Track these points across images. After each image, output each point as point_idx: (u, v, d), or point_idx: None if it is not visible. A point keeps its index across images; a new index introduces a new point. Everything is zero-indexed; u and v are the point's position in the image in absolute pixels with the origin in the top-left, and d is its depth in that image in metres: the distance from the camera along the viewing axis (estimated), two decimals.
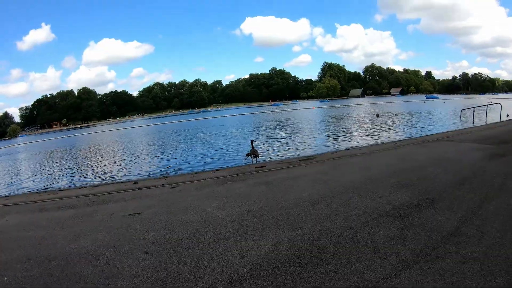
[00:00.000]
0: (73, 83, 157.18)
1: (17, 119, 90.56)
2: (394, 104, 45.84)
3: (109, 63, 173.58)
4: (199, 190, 5.30)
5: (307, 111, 44.37)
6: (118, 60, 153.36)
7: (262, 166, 7.31)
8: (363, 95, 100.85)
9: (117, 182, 7.78)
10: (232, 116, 46.60)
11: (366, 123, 20.81)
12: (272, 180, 5.45)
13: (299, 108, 54.74)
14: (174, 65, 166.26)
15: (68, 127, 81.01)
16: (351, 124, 20.64)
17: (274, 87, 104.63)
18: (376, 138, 13.05)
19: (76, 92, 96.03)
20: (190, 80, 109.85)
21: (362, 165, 6.23)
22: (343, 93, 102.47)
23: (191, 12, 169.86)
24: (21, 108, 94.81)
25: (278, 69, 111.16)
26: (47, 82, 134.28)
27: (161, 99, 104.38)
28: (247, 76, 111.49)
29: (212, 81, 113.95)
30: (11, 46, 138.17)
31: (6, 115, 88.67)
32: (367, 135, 14.59)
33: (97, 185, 7.65)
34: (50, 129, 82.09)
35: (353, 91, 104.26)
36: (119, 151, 16.61)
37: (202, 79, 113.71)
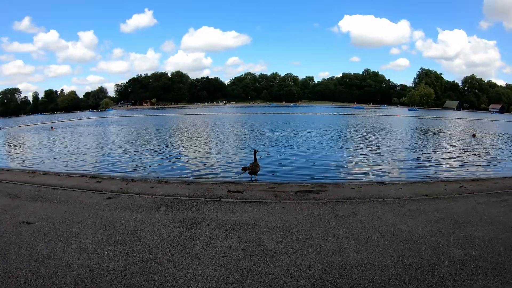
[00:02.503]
0: (170, 66, 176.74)
1: (112, 94, 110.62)
2: (495, 123, 38.65)
3: (206, 50, 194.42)
4: (110, 211, 4.48)
5: (391, 119, 40.84)
6: (215, 48, 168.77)
7: (237, 192, 5.86)
8: (458, 108, 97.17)
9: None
10: (317, 115, 46.82)
11: (459, 143, 16.70)
12: (204, 221, 4.09)
13: (381, 114, 50.48)
14: (269, 57, 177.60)
15: (157, 106, 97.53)
16: (437, 142, 16.78)
17: (365, 89, 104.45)
18: (469, 167, 9.80)
19: (169, 75, 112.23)
20: (283, 73, 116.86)
21: (426, 230, 3.91)
22: (437, 104, 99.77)
23: (291, 6, 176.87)
24: (116, 85, 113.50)
25: (372, 71, 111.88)
26: (146, 63, 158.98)
27: (251, 89, 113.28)
28: (339, 75, 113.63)
29: (304, 77, 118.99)
30: (115, 28, 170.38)
31: (101, 89, 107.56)
32: (459, 161, 10.97)
33: (94, 175, 8.25)
34: (141, 106, 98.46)
35: (449, 103, 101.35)
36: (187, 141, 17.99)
37: (295, 74, 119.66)
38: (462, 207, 4.69)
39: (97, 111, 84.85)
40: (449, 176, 8.45)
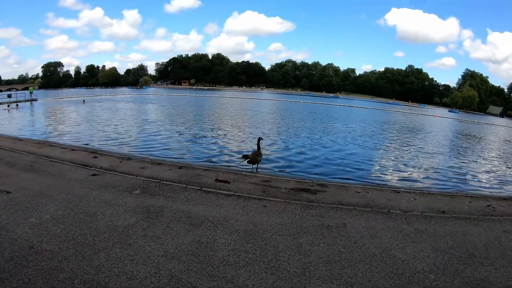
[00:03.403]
0: (212, 48, 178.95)
1: (152, 72, 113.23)
2: None
3: (249, 34, 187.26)
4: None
5: (429, 119, 37.58)
6: (258, 33, 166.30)
7: (225, 182, 5.47)
8: (502, 114, 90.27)
9: None
10: (355, 108, 45.17)
11: (500, 154, 14.14)
12: (170, 211, 3.79)
13: (419, 113, 46.03)
14: (312, 45, 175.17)
15: (195, 87, 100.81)
16: (475, 150, 14.52)
17: (407, 86, 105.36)
18: (504, 183, 8.22)
19: (210, 57, 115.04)
20: (324, 63, 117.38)
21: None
22: (480, 108, 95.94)
23: None
24: (157, 63, 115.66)
25: (415, 67, 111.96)
26: (188, 44, 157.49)
27: (291, 77, 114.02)
28: (382, 69, 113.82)
29: (346, 68, 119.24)
30: (160, 8, 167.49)
31: (141, 67, 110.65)
32: (495, 175, 9.19)
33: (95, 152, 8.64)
34: (179, 86, 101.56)
35: (492, 108, 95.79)
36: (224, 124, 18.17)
37: (337, 64, 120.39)
38: (482, 235, 3.65)
39: (135, 88, 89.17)
40: (478, 190, 7.01)
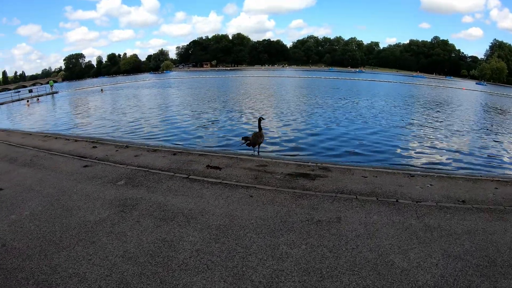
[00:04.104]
0: (232, 29, 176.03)
1: (173, 56, 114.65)
2: None
3: (269, 12, 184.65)
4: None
5: (457, 92, 34.10)
6: (279, 10, 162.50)
7: (216, 168, 5.18)
8: None
9: None
10: (379, 82, 42.70)
11: None
12: (146, 204, 3.60)
13: (445, 86, 41.92)
14: (334, 20, 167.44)
15: (217, 68, 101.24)
16: (508, 127, 12.45)
17: (433, 58, 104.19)
18: None
19: (230, 37, 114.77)
20: (347, 37, 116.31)
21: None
22: (510, 81, 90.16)
23: None
24: (177, 47, 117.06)
25: (441, 39, 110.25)
26: (208, 25, 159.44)
27: (313, 53, 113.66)
28: (407, 41, 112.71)
29: (369, 42, 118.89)
30: None
31: (162, 52, 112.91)
32: None
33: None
34: (201, 68, 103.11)
35: None
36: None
37: (360, 38, 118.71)
38: (509, 234, 2.89)
39: (157, 73, 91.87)
40: (507, 174, 5.86)
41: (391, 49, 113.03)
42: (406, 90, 30.95)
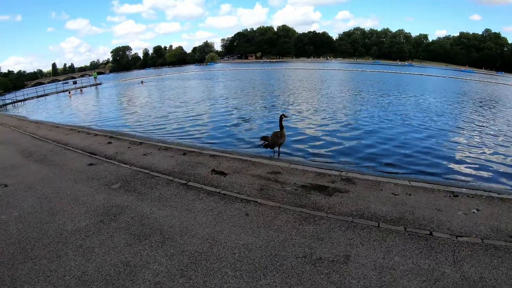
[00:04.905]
0: (277, 21, 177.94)
1: (218, 48, 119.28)
2: None
3: (315, 3, 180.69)
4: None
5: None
6: (324, 1, 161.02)
7: (221, 173, 4.71)
8: None
9: None
10: (428, 76, 39.11)
11: None
12: (128, 215, 3.31)
13: (497, 83, 36.64)
14: (382, 11, 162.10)
15: (262, 60, 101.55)
16: None
17: (485, 52, 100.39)
18: None
19: (275, 29, 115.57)
20: (394, 29, 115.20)
21: None
22: None
23: None
24: (222, 39, 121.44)
25: (493, 31, 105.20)
26: (254, 17, 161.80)
27: (360, 45, 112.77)
28: (456, 34, 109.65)
29: (418, 34, 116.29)
30: None
31: (206, 44, 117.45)
32: None
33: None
34: (246, 60, 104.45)
35: None
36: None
37: (408, 31, 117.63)
38: None
39: (202, 64, 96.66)
40: None
41: (441, 42, 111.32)
42: (456, 86, 27.19)
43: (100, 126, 10.50)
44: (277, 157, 5.99)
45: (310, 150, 6.91)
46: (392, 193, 3.71)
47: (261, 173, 4.66)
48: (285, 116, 6.11)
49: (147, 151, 6.10)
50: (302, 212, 3.36)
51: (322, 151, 6.90)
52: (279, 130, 5.91)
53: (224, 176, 4.56)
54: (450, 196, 3.63)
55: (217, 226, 3.14)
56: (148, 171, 4.90)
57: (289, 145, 7.10)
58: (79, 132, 8.48)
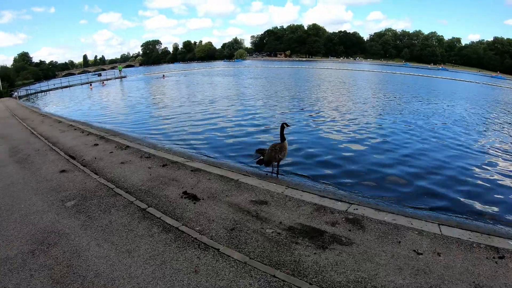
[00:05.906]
0: (309, 19, 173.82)
1: (248, 45, 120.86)
2: None
3: (347, 3, 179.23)
4: None
5: None
6: (357, 1, 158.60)
7: (193, 198, 4.02)
8: None
9: None
10: (458, 82, 36.15)
11: None
12: (61, 250, 2.77)
13: None
14: (415, 13, 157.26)
15: (291, 59, 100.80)
16: None
17: None
18: None
19: (305, 27, 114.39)
20: (426, 31, 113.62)
21: None
22: None
23: None
24: (252, 36, 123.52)
25: None
26: (285, 15, 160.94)
27: (391, 47, 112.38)
28: (490, 39, 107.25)
29: (450, 37, 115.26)
30: None
31: (236, 40, 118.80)
32: None
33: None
34: (275, 58, 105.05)
35: None
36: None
37: (441, 33, 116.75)
38: None
39: (230, 61, 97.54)
40: None
41: (474, 46, 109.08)
42: (493, 94, 24.39)
43: (102, 122, 10.36)
44: (275, 175, 5.19)
45: (320, 167, 5.93)
46: (414, 250, 2.80)
47: (242, 202, 3.91)
48: (287, 125, 5.16)
49: (126, 159, 5.63)
50: (273, 278, 2.53)
51: (334, 170, 5.84)
52: (280, 142, 5.05)
53: (194, 203, 3.89)
54: (493, 258, 2.67)
55: (150, 285, 2.47)
56: (113, 186, 4.39)
57: (297, 159, 6.22)
58: (75, 129, 8.33)
